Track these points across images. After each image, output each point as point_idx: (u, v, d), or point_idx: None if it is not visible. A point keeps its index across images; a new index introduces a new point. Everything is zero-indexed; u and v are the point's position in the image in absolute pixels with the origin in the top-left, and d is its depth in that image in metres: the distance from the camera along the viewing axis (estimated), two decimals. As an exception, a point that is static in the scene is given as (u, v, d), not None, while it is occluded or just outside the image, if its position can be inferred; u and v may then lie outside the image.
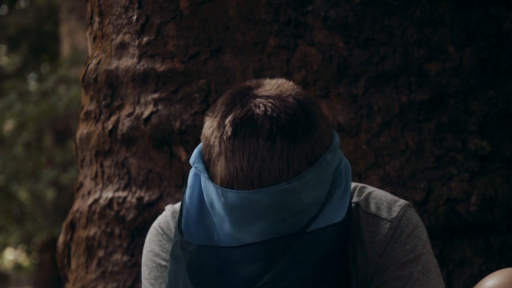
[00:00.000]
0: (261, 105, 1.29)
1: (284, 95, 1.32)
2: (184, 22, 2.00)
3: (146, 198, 2.02)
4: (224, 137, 1.28)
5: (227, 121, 1.29)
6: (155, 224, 1.51)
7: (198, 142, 1.95)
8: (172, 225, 1.48)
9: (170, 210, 1.51)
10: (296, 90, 1.34)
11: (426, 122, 1.90)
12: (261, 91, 1.32)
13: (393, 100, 1.91)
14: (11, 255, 13.12)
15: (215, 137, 1.31)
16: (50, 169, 8.80)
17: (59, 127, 9.56)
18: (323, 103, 1.92)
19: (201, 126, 1.96)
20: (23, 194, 10.48)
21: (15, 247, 10.79)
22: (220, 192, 1.28)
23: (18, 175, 8.83)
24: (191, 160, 1.36)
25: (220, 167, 1.29)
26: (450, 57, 1.92)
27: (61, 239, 2.29)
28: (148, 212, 2.03)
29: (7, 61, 11.98)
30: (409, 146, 1.90)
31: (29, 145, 10.46)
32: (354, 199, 1.44)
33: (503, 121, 1.92)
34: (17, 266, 12.44)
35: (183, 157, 1.98)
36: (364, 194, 1.45)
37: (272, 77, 1.93)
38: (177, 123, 1.99)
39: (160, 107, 2.01)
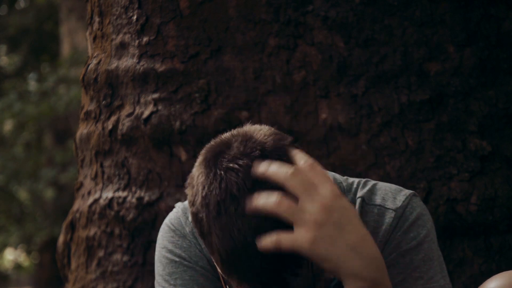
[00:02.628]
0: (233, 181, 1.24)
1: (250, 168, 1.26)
2: (184, 22, 2.00)
3: (146, 198, 2.02)
4: (211, 216, 1.25)
5: (211, 202, 1.25)
6: (166, 221, 1.53)
7: (198, 142, 1.95)
8: (183, 221, 1.49)
9: (180, 207, 1.53)
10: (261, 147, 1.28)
11: (426, 122, 1.90)
12: (229, 157, 1.27)
13: (393, 100, 1.91)
14: (11, 255, 13.10)
15: (202, 215, 1.27)
16: (50, 169, 8.79)
17: (59, 127, 9.55)
18: (323, 103, 1.92)
19: (201, 126, 1.97)
20: (23, 194, 10.48)
21: (15, 247, 10.78)
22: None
23: (18, 175, 8.81)
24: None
25: (214, 243, 1.26)
26: (450, 57, 1.91)
27: (61, 239, 2.29)
28: (148, 212, 2.03)
29: (7, 61, 11.97)
30: (409, 146, 1.90)
31: (29, 145, 10.45)
32: (359, 194, 1.45)
33: (503, 121, 1.92)
34: (17, 266, 12.42)
35: (183, 157, 1.98)
36: (368, 187, 1.46)
37: (272, 77, 1.95)
38: (177, 123, 1.99)
39: (160, 107, 2.01)
